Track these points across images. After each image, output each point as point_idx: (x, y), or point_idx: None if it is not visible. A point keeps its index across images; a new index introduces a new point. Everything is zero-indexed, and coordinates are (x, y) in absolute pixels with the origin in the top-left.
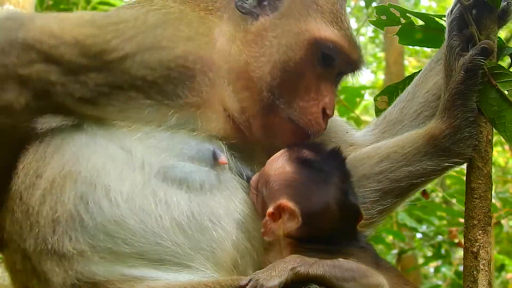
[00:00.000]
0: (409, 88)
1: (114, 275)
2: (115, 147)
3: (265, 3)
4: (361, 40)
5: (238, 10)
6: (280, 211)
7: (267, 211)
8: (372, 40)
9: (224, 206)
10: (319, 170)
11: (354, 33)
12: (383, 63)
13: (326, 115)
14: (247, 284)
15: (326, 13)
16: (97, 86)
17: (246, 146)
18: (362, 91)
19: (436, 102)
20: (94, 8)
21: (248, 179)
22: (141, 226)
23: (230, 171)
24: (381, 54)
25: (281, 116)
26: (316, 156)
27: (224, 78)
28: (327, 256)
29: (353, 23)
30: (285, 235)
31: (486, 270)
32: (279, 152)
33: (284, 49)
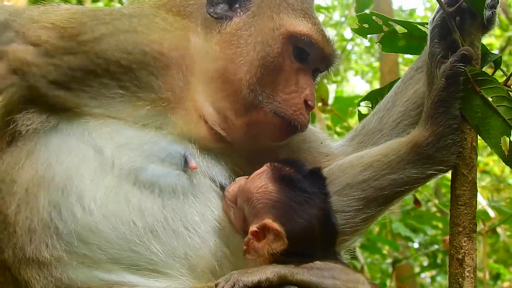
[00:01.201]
0: (388, 97)
1: (93, 280)
2: (86, 147)
3: (236, 5)
4: (356, 50)
5: (211, 16)
6: (264, 231)
7: (251, 230)
8: (367, 50)
9: (199, 211)
10: (303, 190)
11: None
12: (379, 73)
13: (308, 106)
14: (221, 281)
15: (297, 10)
16: (71, 70)
17: (219, 150)
18: (355, 101)
19: (416, 111)
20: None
21: (222, 186)
22: (114, 233)
23: (204, 175)
24: (376, 64)
25: (265, 111)
26: (298, 175)
27: (199, 78)
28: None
29: (348, 33)
30: (271, 255)
31: (472, 277)
32: (260, 169)
33: (261, 46)
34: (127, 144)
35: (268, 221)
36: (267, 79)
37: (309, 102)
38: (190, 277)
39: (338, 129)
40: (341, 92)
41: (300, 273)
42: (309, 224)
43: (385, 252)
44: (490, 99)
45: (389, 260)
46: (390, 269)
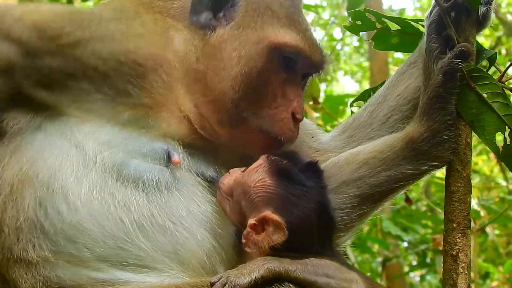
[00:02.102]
0: (380, 91)
1: (81, 278)
2: (69, 144)
3: (220, 14)
4: (346, 49)
5: (194, 25)
6: (263, 223)
7: (249, 223)
8: (357, 49)
9: (184, 205)
10: (300, 184)
11: (314, 34)
12: (368, 73)
13: (296, 120)
14: (217, 281)
15: (282, 18)
16: (51, 72)
17: (206, 146)
18: (346, 99)
19: (407, 106)
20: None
21: (211, 179)
22: (100, 231)
23: (189, 170)
24: (366, 64)
25: (250, 127)
26: (295, 168)
27: (181, 81)
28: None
29: (338, 33)
30: (270, 248)
31: (466, 273)
32: (257, 162)
33: (245, 61)
34: (109, 141)
35: (268, 213)
36: (252, 95)
37: (297, 116)
38: (180, 271)
39: (329, 127)
40: (330, 92)
41: (294, 270)
42: (307, 217)
43: (375, 251)
44: (485, 95)
45: (379, 259)
46: (380, 268)
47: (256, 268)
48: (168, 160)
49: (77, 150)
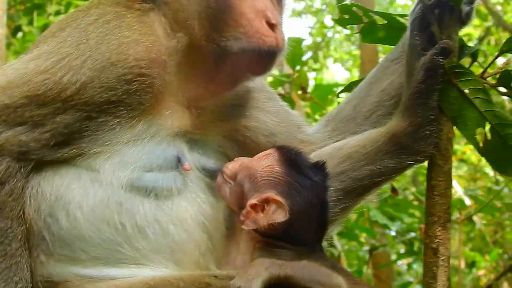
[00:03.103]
0: (363, 85)
1: (69, 275)
2: (83, 170)
3: None
4: (336, 37)
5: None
6: (264, 204)
7: (250, 203)
8: (347, 37)
9: (188, 209)
10: (307, 176)
11: None
12: (358, 61)
13: (273, 26)
14: None
15: None
16: (67, 127)
17: (207, 139)
18: (335, 89)
19: (390, 102)
20: (68, 4)
21: (211, 171)
22: (99, 236)
23: (194, 169)
24: (356, 52)
25: (234, 54)
26: (304, 163)
27: (174, 73)
28: (290, 254)
29: (330, 21)
30: (268, 226)
31: (446, 266)
32: (267, 150)
33: None
34: (125, 161)
35: (271, 194)
36: (220, 20)
37: (272, 21)
38: (174, 269)
39: (317, 116)
40: (320, 79)
41: (292, 275)
42: (307, 208)
43: (362, 239)
44: (467, 91)
45: (366, 248)
46: (367, 256)
47: (260, 271)
48: (178, 165)
49: (89, 172)
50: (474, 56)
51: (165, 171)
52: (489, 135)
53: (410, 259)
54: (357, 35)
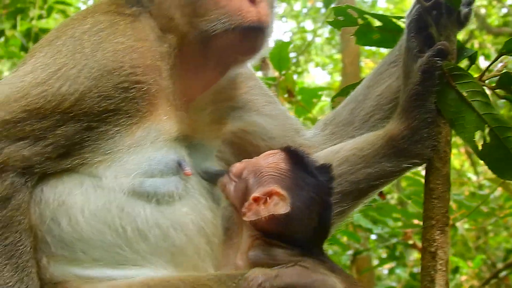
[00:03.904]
0: (360, 88)
1: (67, 275)
2: (85, 177)
3: None
4: (318, 41)
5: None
6: (267, 197)
7: (253, 196)
8: (328, 41)
9: (188, 214)
10: (312, 175)
11: None
12: (340, 65)
13: (254, 2)
14: None
15: None
16: (68, 139)
17: (205, 142)
18: (319, 92)
19: (388, 105)
20: (50, 8)
21: (213, 175)
22: (99, 238)
23: (195, 175)
24: (337, 56)
25: (218, 36)
26: (310, 163)
27: (168, 77)
28: (286, 255)
29: (310, 25)
30: (268, 219)
31: (444, 270)
32: (274, 150)
33: None
34: (126, 169)
35: (275, 188)
36: (198, 3)
37: None
38: (173, 271)
39: (301, 120)
40: (301, 83)
41: (287, 280)
42: (310, 206)
43: (345, 243)
44: (465, 94)
45: (350, 252)
46: (349, 261)
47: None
48: (179, 170)
49: (91, 179)
50: (472, 58)
51: (166, 176)
52: (488, 138)
53: (391, 264)
54: (338, 38)
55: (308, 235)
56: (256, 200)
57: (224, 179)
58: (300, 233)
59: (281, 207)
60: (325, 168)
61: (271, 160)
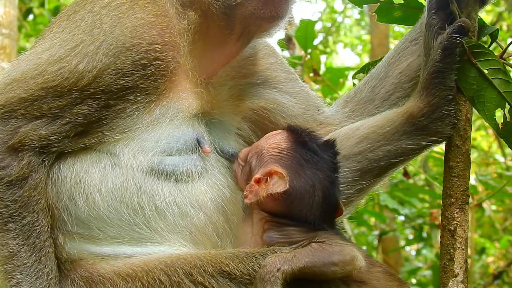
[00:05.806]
0: (381, 66)
1: (83, 252)
2: (103, 155)
3: None
4: (347, 22)
5: None
6: (267, 177)
7: (254, 177)
8: (357, 22)
9: (207, 192)
10: (313, 151)
11: None
12: (368, 46)
13: None
14: None
15: None
16: (86, 117)
17: (224, 120)
18: (347, 72)
19: (409, 84)
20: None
21: (229, 154)
22: (117, 217)
23: (214, 153)
24: (366, 37)
25: (243, 3)
26: (312, 140)
27: (187, 54)
28: (299, 232)
29: (339, 5)
30: (268, 198)
31: (463, 248)
32: (277, 131)
33: None
34: (145, 147)
35: (274, 167)
36: None
37: None
38: (192, 249)
39: (328, 99)
40: (330, 64)
41: (304, 266)
42: (312, 182)
43: (371, 224)
44: (486, 72)
45: (375, 232)
46: (376, 242)
47: (274, 276)
48: (198, 148)
49: (109, 156)
50: (493, 36)
51: (185, 154)
52: (508, 116)
53: (418, 245)
54: (367, 20)
55: (316, 212)
56: (258, 181)
57: (234, 165)
58: (306, 210)
59: (279, 185)
60: (329, 144)
61: (273, 141)
